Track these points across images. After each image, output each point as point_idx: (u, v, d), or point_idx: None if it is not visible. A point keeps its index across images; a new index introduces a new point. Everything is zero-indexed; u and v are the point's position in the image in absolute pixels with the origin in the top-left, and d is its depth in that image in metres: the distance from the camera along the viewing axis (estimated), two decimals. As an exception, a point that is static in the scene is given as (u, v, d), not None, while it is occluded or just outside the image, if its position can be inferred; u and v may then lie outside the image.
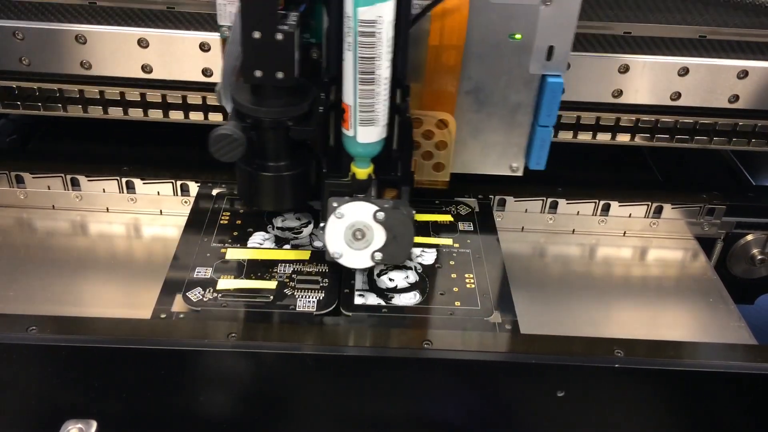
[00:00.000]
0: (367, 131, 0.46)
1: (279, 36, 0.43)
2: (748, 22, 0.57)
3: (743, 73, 0.58)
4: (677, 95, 0.59)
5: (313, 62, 0.49)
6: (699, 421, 0.47)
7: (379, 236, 0.47)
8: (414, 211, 0.48)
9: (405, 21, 0.44)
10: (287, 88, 0.46)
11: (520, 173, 0.57)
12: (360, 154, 0.48)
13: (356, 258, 0.48)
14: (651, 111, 0.60)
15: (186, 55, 0.57)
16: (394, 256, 0.48)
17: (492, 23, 0.50)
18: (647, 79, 0.58)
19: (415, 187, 0.53)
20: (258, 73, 0.44)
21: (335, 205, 0.47)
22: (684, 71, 0.58)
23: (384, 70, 0.44)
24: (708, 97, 0.59)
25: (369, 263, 0.48)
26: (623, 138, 0.62)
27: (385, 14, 0.42)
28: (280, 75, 0.44)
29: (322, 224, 0.49)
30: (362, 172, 0.49)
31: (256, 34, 0.43)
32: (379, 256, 0.48)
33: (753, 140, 0.62)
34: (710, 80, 0.58)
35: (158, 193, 0.61)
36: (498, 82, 0.53)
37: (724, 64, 0.58)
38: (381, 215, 0.47)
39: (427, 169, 0.55)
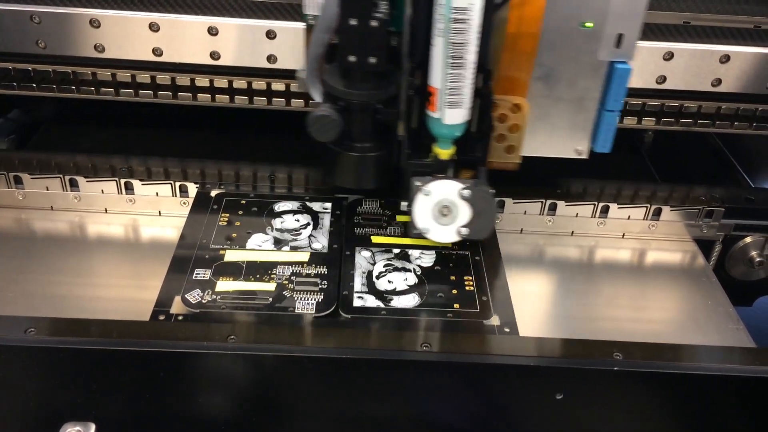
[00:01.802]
0: (453, 113, 0.48)
1: (374, 23, 0.46)
2: (730, 9, 0.59)
3: (725, 58, 0.59)
4: (663, 79, 0.60)
5: (392, 49, 0.51)
6: (697, 424, 0.47)
7: (463, 212, 0.50)
8: (493, 190, 0.51)
9: (490, 8, 0.46)
10: (374, 73, 0.49)
11: (585, 156, 0.58)
12: (445, 135, 0.50)
13: (443, 233, 0.51)
14: (638, 94, 0.61)
15: (194, 39, 0.58)
16: (478, 231, 0.51)
17: (566, 12, 0.52)
18: (634, 64, 0.59)
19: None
20: (352, 58, 0.47)
21: (418, 183, 0.50)
22: (669, 56, 0.59)
23: (472, 54, 0.46)
24: (692, 81, 0.60)
25: (455, 238, 0.51)
26: None
27: (476, 1, 0.44)
28: (372, 60, 0.48)
29: (405, 203, 0.51)
30: (445, 152, 0.51)
31: (353, 21, 0.46)
32: (465, 230, 0.51)
33: (735, 123, 0.63)
34: (694, 65, 0.59)
35: (157, 194, 0.61)
36: (568, 69, 0.54)
37: (707, 49, 0.59)
38: (467, 192, 0.49)
39: (499, 151, 0.56)
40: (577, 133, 0.57)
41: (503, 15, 0.50)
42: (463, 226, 0.50)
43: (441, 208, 0.50)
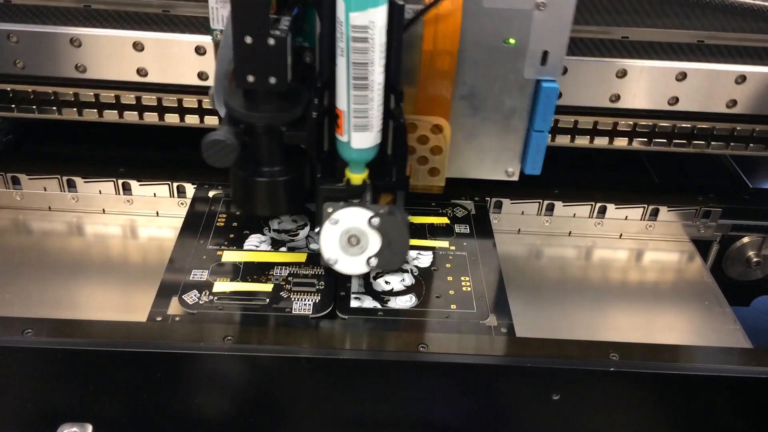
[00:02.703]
0: (360, 137, 0.46)
1: (271, 41, 0.43)
2: (746, 27, 0.57)
3: (741, 78, 0.58)
4: (675, 100, 0.59)
5: (306, 66, 0.49)
6: (694, 425, 0.47)
7: (374, 242, 0.47)
8: (409, 217, 0.48)
9: (398, 26, 0.44)
10: (280, 93, 0.46)
11: (515, 178, 0.57)
12: (354, 160, 0.48)
13: (351, 264, 0.48)
14: (649, 116, 0.60)
15: (181, 59, 0.56)
16: (389, 262, 0.48)
17: (486, 28, 0.50)
18: (645, 84, 0.58)
19: (411, 192, 0.53)
20: (250, 78, 0.44)
21: (330, 210, 0.47)
22: (682, 76, 0.58)
23: (377, 75, 0.44)
24: (706, 102, 0.59)
25: (364, 269, 0.48)
26: (621, 143, 0.62)
27: (377, 19, 0.42)
28: (272, 80, 0.44)
29: (317, 229, 0.48)
30: (357, 177, 0.49)
31: (248, 39, 0.42)
32: (374, 261, 0.47)
33: (751, 145, 0.62)
34: (708, 85, 0.58)
35: (155, 194, 0.61)
36: (492, 87, 0.53)
37: (722, 69, 0.58)
38: (376, 221, 0.46)
39: (422, 174, 0.55)
40: (506, 153, 0.56)
41: (418, 32, 0.48)
42: (373, 257, 0.47)
43: (349, 238, 0.47)
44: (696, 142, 0.62)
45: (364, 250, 0.47)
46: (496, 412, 0.46)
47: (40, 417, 0.45)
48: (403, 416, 0.46)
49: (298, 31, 0.48)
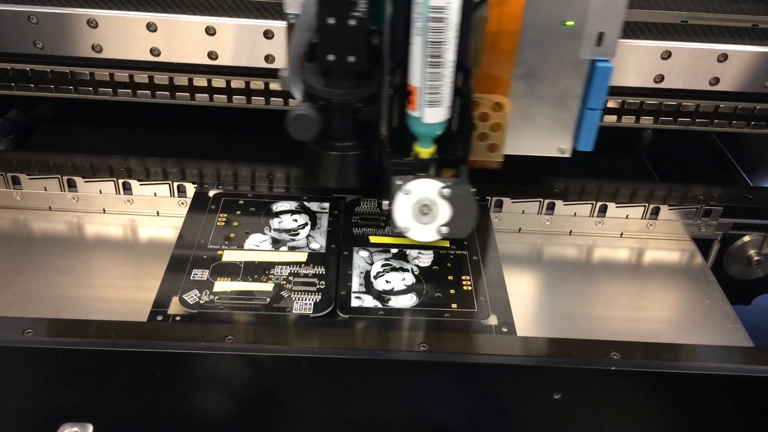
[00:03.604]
0: (433, 112, 0.48)
1: (352, 21, 0.46)
2: (728, 8, 0.58)
3: (723, 57, 0.59)
4: (660, 78, 0.60)
5: (373, 48, 0.51)
6: (695, 424, 0.47)
7: (444, 211, 0.49)
8: (474, 189, 0.50)
9: (469, 7, 0.46)
10: (355, 72, 0.49)
11: (568, 155, 0.58)
12: (424, 134, 0.50)
13: (423, 232, 0.50)
14: (636, 93, 0.61)
15: (192, 39, 0.58)
16: (458, 230, 0.50)
17: (546, 10, 0.52)
18: (632, 62, 0.59)
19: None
20: (331, 57, 0.47)
21: (399, 182, 0.49)
22: (667, 55, 0.59)
23: (450, 53, 0.46)
24: (690, 80, 0.60)
25: (435, 236, 0.50)
26: (610, 119, 0.63)
27: (453, 0, 0.44)
28: (351, 59, 0.47)
29: (386, 202, 0.51)
30: (425, 151, 0.50)
31: (331, 20, 0.46)
32: (444, 229, 0.50)
33: (734, 122, 0.63)
34: (692, 63, 0.60)
35: (155, 194, 0.61)
36: (549, 67, 0.54)
37: (705, 48, 0.59)
38: (446, 191, 0.49)
39: (481, 149, 0.56)
40: (560, 131, 0.57)
41: (483, 14, 0.50)
42: (443, 225, 0.50)
43: (421, 207, 0.49)
44: (681, 119, 0.63)
45: (435, 219, 0.50)
46: (497, 411, 0.46)
47: (41, 417, 0.45)
48: (404, 416, 0.46)
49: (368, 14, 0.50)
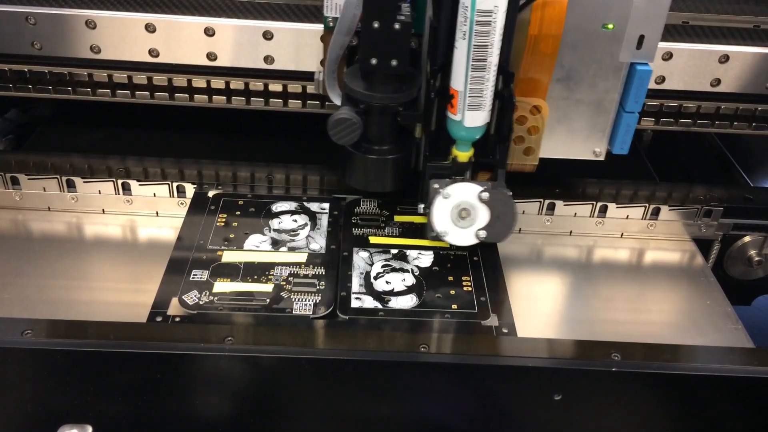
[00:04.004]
0: (474, 115, 0.48)
1: (396, 25, 0.46)
2: (729, 9, 0.58)
3: (724, 58, 0.59)
4: (662, 79, 0.60)
5: (413, 52, 0.51)
6: (696, 425, 0.47)
7: (482, 215, 0.50)
8: (511, 193, 0.51)
9: (513, 10, 0.46)
10: (395, 76, 0.49)
11: (602, 158, 0.58)
12: (464, 138, 0.50)
13: (461, 236, 0.50)
14: None
15: (191, 40, 0.58)
16: (497, 234, 0.51)
17: (587, 13, 0.52)
18: None
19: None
20: (374, 61, 0.47)
21: (437, 186, 0.49)
22: (668, 56, 0.59)
23: (495, 57, 0.46)
24: (691, 81, 0.60)
25: (474, 241, 0.50)
26: None
27: (501, 3, 0.44)
28: (394, 62, 0.47)
29: (422, 206, 0.51)
30: (464, 155, 0.51)
31: (375, 24, 0.46)
32: (483, 234, 0.50)
33: (735, 123, 0.63)
34: (693, 65, 0.60)
35: (154, 194, 0.61)
36: (588, 70, 0.54)
37: (706, 49, 0.59)
38: (486, 195, 0.49)
39: (517, 153, 0.57)
40: (596, 134, 0.57)
41: (525, 17, 0.50)
42: (482, 229, 0.50)
43: (460, 211, 0.50)
44: (682, 120, 0.63)
45: (473, 223, 0.50)
46: (497, 412, 0.46)
47: (40, 418, 0.45)
48: (405, 417, 0.46)
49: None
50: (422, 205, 0.51)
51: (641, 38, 0.52)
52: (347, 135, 0.49)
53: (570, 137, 0.57)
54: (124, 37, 0.58)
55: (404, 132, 0.52)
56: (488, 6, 0.44)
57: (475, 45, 0.45)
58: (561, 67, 0.54)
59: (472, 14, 0.44)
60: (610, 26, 0.52)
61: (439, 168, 0.51)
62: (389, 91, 0.49)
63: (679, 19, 0.59)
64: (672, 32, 0.59)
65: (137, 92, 0.61)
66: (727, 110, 0.62)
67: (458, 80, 0.47)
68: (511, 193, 0.50)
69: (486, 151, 0.52)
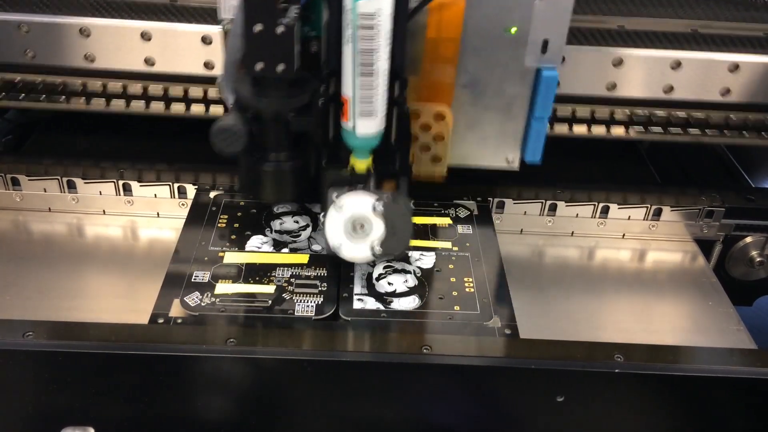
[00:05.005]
0: (365, 123, 0.47)
1: (280, 29, 0.44)
2: (739, 16, 0.58)
3: (734, 67, 0.58)
4: (670, 88, 0.59)
5: (312, 55, 0.50)
6: (699, 426, 0.47)
7: (378, 228, 0.48)
8: (412, 203, 0.49)
9: (403, 13, 0.45)
10: (288, 81, 0.47)
11: (515, 166, 0.57)
12: (358, 147, 0.48)
13: (356, 249, 0.48)
14: (644, 104, 0.61)
15: (188, 49, 0.57)
16: (392, 248, 0.49)
17: (488, 17, 0.51)
18: (641, 73, 0.59)
19: (414, 180, 0.54)
20: (259, 66, 0.45)
21: (335, 196, 0.48)
22: (676, 65, 0.58)
23: (383, 62, 0.44)
24: (700, 91, 0.59)
25: (368, 255, 0.48)
26: (617, 131, 0.62)
27: (383, 7, 0.42)
28: (281, 67, 0.45)
29: (322, 215, 0.49)
30: (361, 164, 0.49)
31: (258, 27, 0.44)
32: (378, 247, 0.48)
33: (745, 133, 0.62)
34: (702, 74, 0.59)
35: (155, 195, 0.61)
36: (494, 75, 0.53)
37: (716, 58, 0.58)
38: (380, 207, 0.47)
39: (424, 161, 0.56)
40: (507, 141, 0.56)
41: (422, 20, 0.49)
42: (377, 243, 0.48)
43: (354, 223, 0.47)
44: (691, 130, 0.62)
45: (368, 236, 0.48)
46: (500, 413, 0.46)
47: (42, 420, 0.44)
48: (407, 418, 0.46)
49: (305, 20, 0.49)
50: (322, 215, 0.49)
51: (545, 42, 0.51)
52: (230, 144, 0.47)
53: (481, 144, 0.56)
54: (119, 45, 0.57)
55: (304, 140, 0.50)
56: (370, 9, 0.42)
57: (360, 50, 0.43)
58: (465, 72, 0.53)
59: (354, 18, 0.42)
60: (513, 30, 0.51)
61: (337, 176, 0.49)
62: (279, 97, 0.47)
63: (687, 27, 0.58)
64: (681, 40, 0.58)
65: (132, 102, 0.60)
66: (737, 120, 0.61)
67: (347, 86, 0.45)
68: (410, 204, 0.49)
69: (388, 160, 0.50)
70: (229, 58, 0.47)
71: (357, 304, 0.49)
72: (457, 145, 0.56)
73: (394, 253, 0.49)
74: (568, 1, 0.50)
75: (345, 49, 0.44)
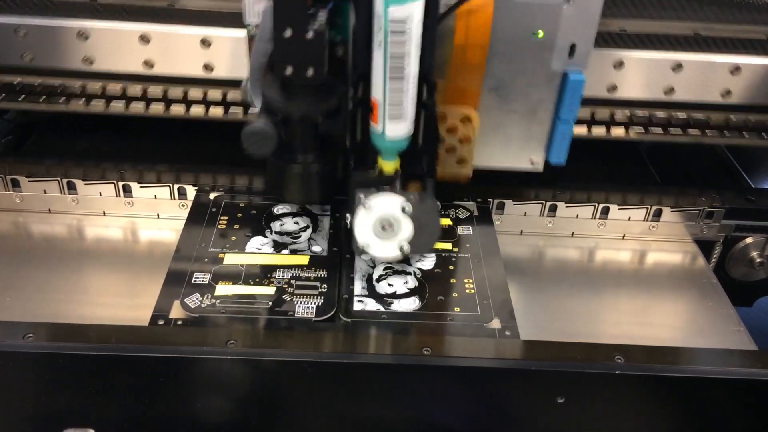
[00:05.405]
0: (394, 126, 0.47)
1: (310, 34, 0.44)
2: (740, 19, 0.58)
3: (735, 69, 0.59)
4: (671, 90, 0.59)
5: (338, 59, 0.50)
6: (699, 427, 0.47)
7: (406, 227, 0.49)
8: (439, 204, 0.50)
9: (433, 19, 0.45)
10: (316, 85, 0.47)
11: (540, 168, 0.58)
12: (387, 149, 0.49)
13: (384, 249, 0.49)
14: (645, 105, 0.61)
15: (187, 51, 0.57)
16: (420, 247, 0.50)
17: (515, 22, 0.51)
18: (641, 74, 0.59)
19: (438, 181, 0.54)
20: (289, 70, 0.46)
21: (363, 197, 0.48)
22: (677, 66, 0.58)
23: (413, 67, 0.45)
24: (701, 92, 0.60)
25: (397, 254, 0.49)
26: (618, 132, 0.62)
27: (415, 13, 0.43)
28: (310, 72, 0.46)
29: (348, 217, 0.50)
30: (389, 166, 0.49)
31: (288, 32, 0.44)
32: (406, 246, 0.49)
33: (745, 134, 0.62)
34: (703, 75, 0.59)
35: (155, 196, 0.61)
36: (520, 79, 0.54)
37: (717, 60, 0.58)
38: (408, 207, 0.48)
39: (450, 163, 0.56)
40: (531, 143, 0.57)
41: (450, 25, 0.49)
42: (406, 242, 0.49)
43: (382, 224, 0.48)
44: (691, 131, 0.62)
45: (396, 236, 0.49)
46: (500, 415, 0.46)
47: (42, 422, 0.44)
48: (408, 420, 0.46)
49: (332, 25, 0.49)
50: (348, 216, 0.50)
51: (572, 46, 0.52)
52: (261, 147, 0.47)
53: (505, 146, 0.57)
54: (117, 48, 0.57)
55: (331, 142, 0.51)
56: (401, 15, 0.42)
57: (391, 55, 0.44)
58: (492, 77, 0.53)
59: (385, 24, 0.43)
60: (540, 34, 0.51)
61: (364, 179, 0.50)
62: (308, 101, 0.48)
63: (689, 29, 0.58)
64: (682, 42, 0.58)
65: (132, 104, 0.60)
66: (737, 122, 0.61)
67: (377, 90, 0.46)
68: (438, 204, 0.50)
69: (415, 161, 0.51)
70: (255, 63, 0.48)
71: (357, 306, 0.49)
72: (482, 147, 0.56)
73: (422, 252, 0.51)
74: (596, 6, 0.50)
75: (375, 54, 0.45)
